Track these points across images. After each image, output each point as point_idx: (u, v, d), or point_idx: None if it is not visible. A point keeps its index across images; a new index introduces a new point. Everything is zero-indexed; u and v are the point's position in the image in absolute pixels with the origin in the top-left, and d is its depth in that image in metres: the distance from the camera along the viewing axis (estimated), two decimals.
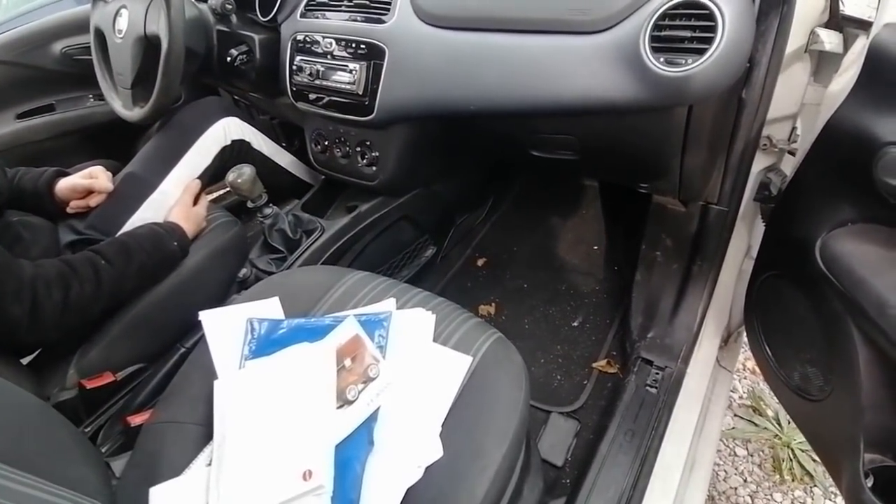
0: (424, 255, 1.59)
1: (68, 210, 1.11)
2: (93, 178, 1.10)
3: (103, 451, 0.94)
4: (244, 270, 1.18)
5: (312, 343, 0.77)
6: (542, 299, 1.55)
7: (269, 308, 0.86)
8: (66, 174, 1.12)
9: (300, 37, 1.21)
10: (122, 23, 1.17)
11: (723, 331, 1.29)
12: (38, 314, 0.83)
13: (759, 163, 1.07)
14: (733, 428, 1.51)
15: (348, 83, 1.14)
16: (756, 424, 1.51)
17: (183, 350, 1.05)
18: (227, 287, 1.16)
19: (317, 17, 1.21)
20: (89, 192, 1.11)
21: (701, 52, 0.77)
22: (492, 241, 1.77)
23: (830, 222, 0.79)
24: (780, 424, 1.49)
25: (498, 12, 0.97)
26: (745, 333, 1.21)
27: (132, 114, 1.20)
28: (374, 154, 1.23)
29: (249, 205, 1.18)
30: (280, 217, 1.22)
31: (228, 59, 1.24)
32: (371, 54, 1.11)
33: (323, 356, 0.75)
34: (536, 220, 1.81)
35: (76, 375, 0.95)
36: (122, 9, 1.18)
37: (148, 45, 1.14)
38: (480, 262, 1.69)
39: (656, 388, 1.12)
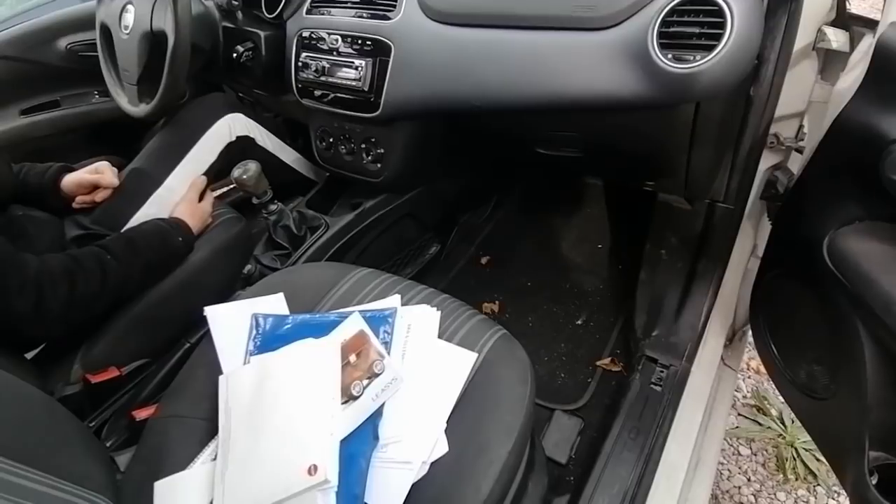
0: (428, 253, 1.59)
1: (74, 205, 1.11)
2: (99, 173, 1.11)
3: (108, 445, 0.94)
4: (249, 266, 1.18)
5: (317, 339, 0.77)
6: (546, 297, 1.55)
7: (274, 304, 0.86)
8: (71, 170, 1.12)
9: (306, 33, 1.21)
10: (129, 19, 1.18)
11: (727, 329, 1.29)
12: (42, 309, 0.83)
13: (767, 161, 1.07)
14: (737, 427, 1.51)
15: (354, 80, 1.14)
16: (760, 424, 1.51)
17: (188, 345, 1.05)
18: (231, 283, 1.16)
19: (322, 14, 1.21)
20: (95, 188, 1.11)
21: (709, 48, 0.76)
22: (495, 239, 1.77)
23: (838, 220, 0.79)
24: (783, 424, 1.49)
25: (504, 9, 0.97)
26: (749, 332, 1.21)
27: (138, 110, 1.20)
28: (378, 151, 1.23)
29: (254, 201, 1.18)
30: (285, 213, 1.22)
31: (234, 55, 1.24)
32: (377, 51, 1.11)
33: (328, 352, 0.74)
34: (540, 218, 1.81)
35: (81, 370, 0.95)
36: (129, 5, 1.18)
37: (154, 42, 1.14)
38: (484, 261, 1.69)
39: (661, 386, 1.12)
